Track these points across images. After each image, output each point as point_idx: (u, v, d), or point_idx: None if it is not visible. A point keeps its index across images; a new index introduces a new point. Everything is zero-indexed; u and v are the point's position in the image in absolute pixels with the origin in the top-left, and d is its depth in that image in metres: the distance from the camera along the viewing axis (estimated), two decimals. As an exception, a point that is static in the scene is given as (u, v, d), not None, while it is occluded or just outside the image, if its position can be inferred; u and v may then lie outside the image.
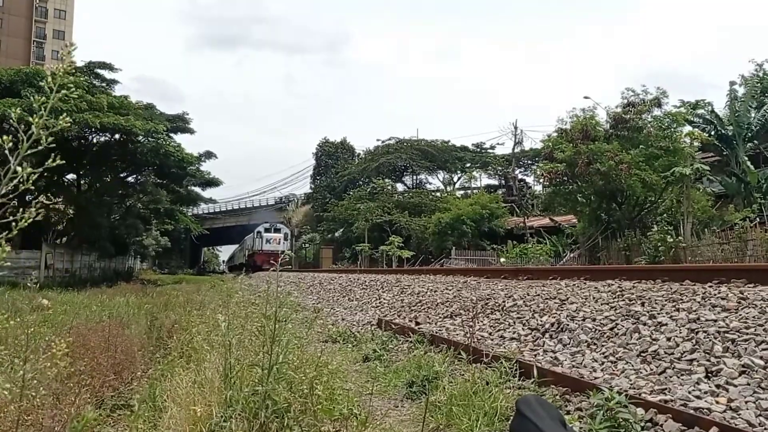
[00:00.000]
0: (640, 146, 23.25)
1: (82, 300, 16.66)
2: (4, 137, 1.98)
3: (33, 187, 2.14)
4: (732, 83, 30.47)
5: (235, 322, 4.82)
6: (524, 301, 7.60)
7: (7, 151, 1.96)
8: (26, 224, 2.09)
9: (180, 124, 41.22)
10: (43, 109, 2.11)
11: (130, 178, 40.10)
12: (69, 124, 2.20)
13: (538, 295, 7.71)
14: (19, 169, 1.99)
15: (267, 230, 60.92)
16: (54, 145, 2.15)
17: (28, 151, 2.07)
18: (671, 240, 19.36)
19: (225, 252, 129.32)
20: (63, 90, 2.17)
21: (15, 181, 2.02)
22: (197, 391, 3.74)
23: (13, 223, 2.08)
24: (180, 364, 5.73)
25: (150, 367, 6.61)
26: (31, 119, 2.09)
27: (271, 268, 4.10)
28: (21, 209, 2.14)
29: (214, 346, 4.50)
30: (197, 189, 47.76)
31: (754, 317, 4.60)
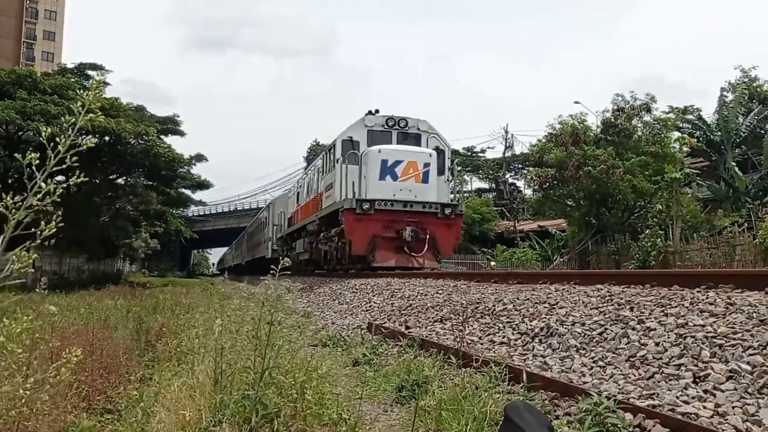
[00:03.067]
0: (639, 155, 23.43)
1: (69, 302, 16.55)
2: (33, 154, 2.07)
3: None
4: (723, 89, 30.78)
5: (227, 326, 4.82)
6: (514, 306, 7.61)
7: (34, 167, 2.06)
8: (50, 233, 2.15)
9: (170, 126, 41.07)
10: (71, 129, 2.19)
11: (119, 180, 39.95)
12: (93, 145, 2.34)
13: (528, 299, 7.73)
14: (43, 185, 2.07)
15: (382, 132, 18.99)
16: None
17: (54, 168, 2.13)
18: (661, 244, 19.50)
19: (215, 254, 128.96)
20: (90, 114, 2.26)
21: (39, 195, 2.09)
22: (187, 395, 3.73)
23: (38, 232, 2.15)
24: (168, 367, 5.71)
25: (138, 371, 6.57)
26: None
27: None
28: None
29: (204, 350, 4.49)
30: (187, 191, 47.60)
31: (741, 322, 4.64)
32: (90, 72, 37.40)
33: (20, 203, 2.08)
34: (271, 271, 3.82)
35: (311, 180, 24.01)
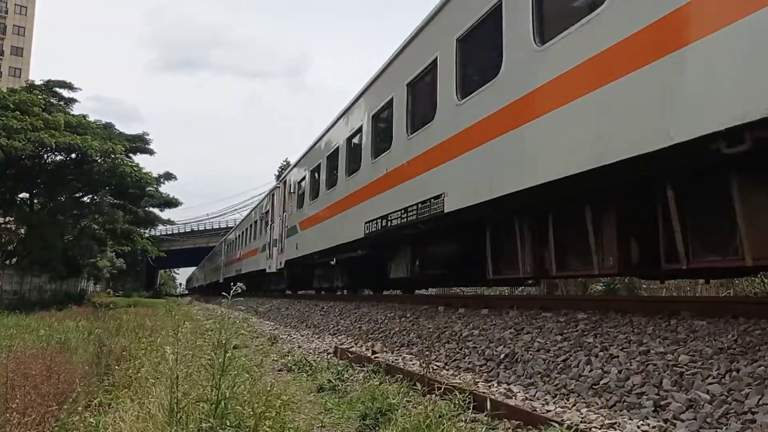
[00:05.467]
0: None
1: (29, 323, 16.15)
2: None
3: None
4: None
5: (185, 352, 4.70)
6: (480, 331, 7.61)
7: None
8: None
9: (139, 144, 40.60)
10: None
11: (85, 198, 39.29)
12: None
13: (495, 324, 7.74)
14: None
15: None
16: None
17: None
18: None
19: (183, 274, 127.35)
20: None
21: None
22: (141, 426, 3.63)
23: None
24: (128, 394, 5.56)
25: (97, 396, 6.38)
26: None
27: None
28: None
29: (161, 379, 4.37)
30: (155, 210, 46.92)
31: (701, 351, 4.69)
32: (58, 89, 36.82)
33: None
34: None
35: None
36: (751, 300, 8.41)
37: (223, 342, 3.41)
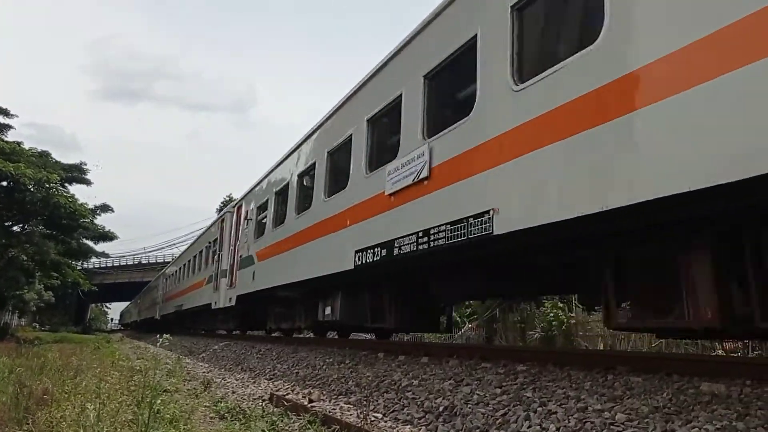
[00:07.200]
0: None
1: (-57, 362, 15.18)
2: None
3: None
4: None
5: (111, 403, 4.45)
6: (419, 381, 7.52)
7: None
8: None
9: (76, 174, 39.35)
10: None
11: (15, 227, 37.61)
12: None
13: (434, 374, 7.66)
14: None
15: None
16: None
17: None
18: (563, 315, 20.01)
19: (115, 309, 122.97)
20: None
21: None
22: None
23: None
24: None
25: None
26: None
27: None
28: None
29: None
30: (89, 242, 45.29)
31: (638, 409, 4.71)
32: (-8, 115, 35.46)
33: None
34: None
35: None
36: (681, 357, 8.59)
37: (149, 400, 3.22)
